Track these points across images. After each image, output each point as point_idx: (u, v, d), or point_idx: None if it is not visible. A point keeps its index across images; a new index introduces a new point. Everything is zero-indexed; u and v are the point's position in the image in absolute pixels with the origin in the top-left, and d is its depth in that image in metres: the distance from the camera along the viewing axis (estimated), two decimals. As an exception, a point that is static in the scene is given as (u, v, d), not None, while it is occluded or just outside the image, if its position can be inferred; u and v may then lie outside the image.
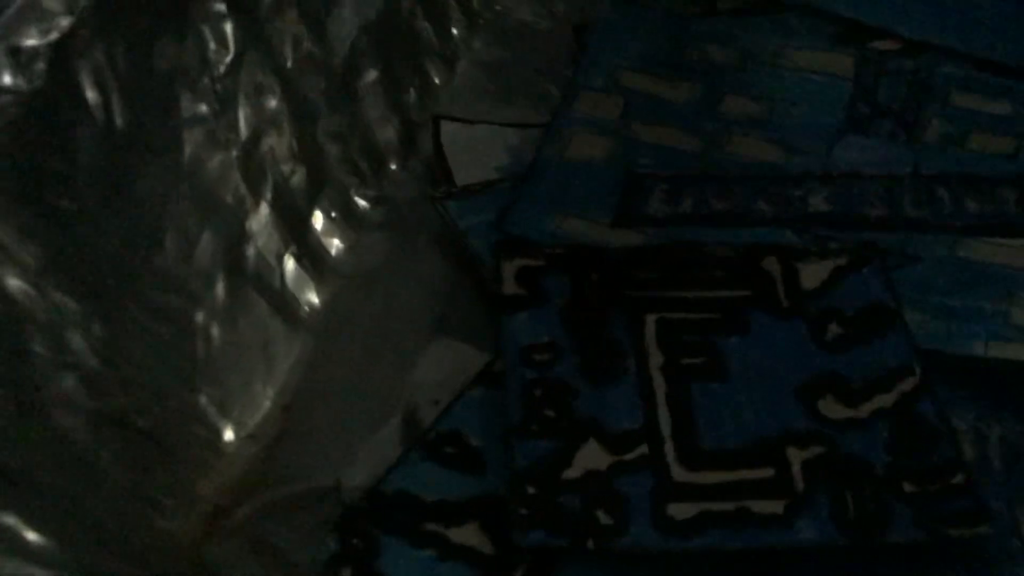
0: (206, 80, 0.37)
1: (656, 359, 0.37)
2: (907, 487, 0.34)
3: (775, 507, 0.33)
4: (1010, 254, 0.40)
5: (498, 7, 0.52)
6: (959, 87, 0.46)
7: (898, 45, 0.47)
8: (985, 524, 0.33)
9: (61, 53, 0.31)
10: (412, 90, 0.47)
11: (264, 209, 0.40)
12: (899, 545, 0.33)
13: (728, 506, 0.34)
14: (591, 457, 0.35)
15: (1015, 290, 0.39)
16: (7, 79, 0.30)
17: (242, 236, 0.39)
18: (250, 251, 0.39)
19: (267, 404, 0.38)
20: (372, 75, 0.45)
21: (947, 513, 0.33)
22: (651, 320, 0.38)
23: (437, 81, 0.49)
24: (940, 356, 0.37)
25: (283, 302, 0.40)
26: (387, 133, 0.46)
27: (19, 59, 0.31)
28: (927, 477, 0.34)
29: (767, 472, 0.34)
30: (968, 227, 0.41)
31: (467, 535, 0.34)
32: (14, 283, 0.30)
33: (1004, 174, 0.43)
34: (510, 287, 0.39)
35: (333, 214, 0.43)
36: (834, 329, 0.38)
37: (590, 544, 0.33)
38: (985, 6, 0.48)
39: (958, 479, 0.34)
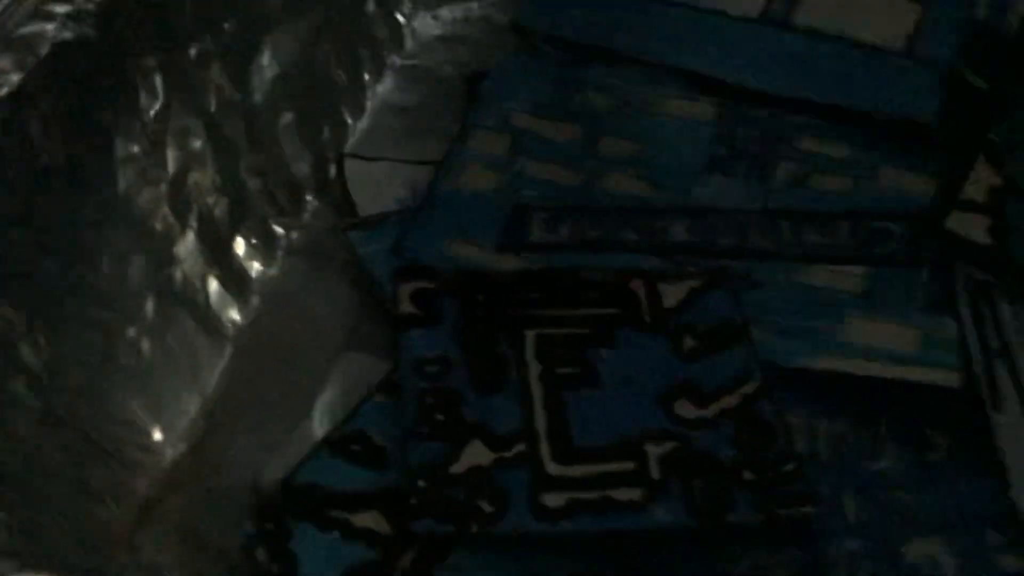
0: (138, 125, 0.38)
1: (535, 369, 0.39)
2: (747, 476, 0.36)
3: (634, 495, 0.35)
4: (841, 279, 0.42)
5: (406, 54, 0.53)
6: (805, 133, 0.47)
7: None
8: (811, 505, 0.35)
9: (13, 105, 0.33)
10: (326, 129, 0.48)
11: (190, 236, 0.41)
12: (740, 526, 0.35)
13: (594, 495, 0.35)
14: (476, 454, 0.36)
15: (844, 310, 0.41)
16: (-37, 129, 0.31)
17: (170, 260, 0.40)
18: (177, 274, 0.40)
19: (193, 410, 0.39)
20: (288, 117, 0.46)
21: (779, 497, 0.35)
22: (531, 335, 0.40)
23: (349, 121, 0.50)
24: (778, 365, 0.39)
25: (208, 319, 0.41)
26: (303, 168, 0.47)
27: (-28, 112, 0.32)
28: (764, 467, 0.36)
29: (628, 465, 0.36)
30: (806, 256, 0.42)
31: (368, 520, 0.35)
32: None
33: (840, 210, 0.44)
34: (405, 307, 0.41)
35: (253, 240, 0.44)
36: (689, 342, 0.40)
37: (473, 528, 0.34)
38: (825, 56, 0.50)
39: (789, 467, 0.36)
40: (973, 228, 0.42)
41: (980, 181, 0.43)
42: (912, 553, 0.35)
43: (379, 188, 0.47)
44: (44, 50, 0.34)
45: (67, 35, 0.35)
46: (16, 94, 0.33)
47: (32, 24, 0.35)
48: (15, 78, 0.33)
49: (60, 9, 0.35)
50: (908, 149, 0.46)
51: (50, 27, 0.35)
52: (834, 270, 0.42)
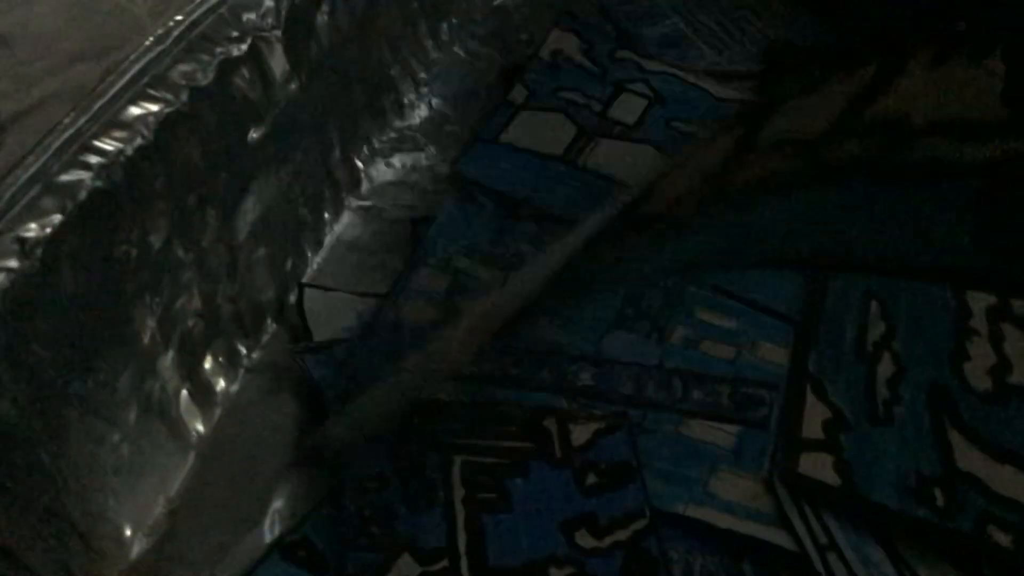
0: (146, 258, 0.41)
1: (459, 492, 0.43)
2: (631, 604, 0.40)
3: (536, 612, 0.39)
4: (718, 435, 0.46)
5: (361, 196, 0.57)
6: (701, 304, 0.51)
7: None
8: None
9: (52, 244, 0.36)
10: (289, 262, 0.52)
11: (171, 354, 0.44)
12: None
13: (502, 610, 0.39)
14: (405, 568, 0.40)
15: (716, 464, 0.44)
16: (14, 263, 0.35)
17: (152, 374, 0.43)
18: (157, 387, 0.43)
19: (158, 509, 0.43)
20: (262, 251, 0.50)
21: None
22: (458, 461, 0.44)
23: (309, 254, 0.54)
24: (660, 506, 0.43)
25: (177, 428, 0.44)
26: (268, 296, 0.50)
27: (23, 247, 0.36)
28: (646, 596, 0.40)
29: (533, 586, 0.40)
30: (691, 411, 0.46)
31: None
32: (7, 408, 0.35)
33: (723, 374, 0.48)
34: None
35: (220, 359, 0.47)
36: (591, 478, 0.43)
37: None
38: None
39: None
40: (821, 469, 0.43)
41: (814, 417, 0.45)
42: None
43: (332, 316, 0.51)
44: (82, 196, 0.38)
45: (99, 183, 0.39)
46: (55, 233, 0.37)
47: (72, 172, 0.39)
48: (56, 219, 0.37)
49: (95, 160, 0.39)
50: (786, 330, 0.51)
51: (86, 175, 0.39)
52: (712, 426, 0.46)
